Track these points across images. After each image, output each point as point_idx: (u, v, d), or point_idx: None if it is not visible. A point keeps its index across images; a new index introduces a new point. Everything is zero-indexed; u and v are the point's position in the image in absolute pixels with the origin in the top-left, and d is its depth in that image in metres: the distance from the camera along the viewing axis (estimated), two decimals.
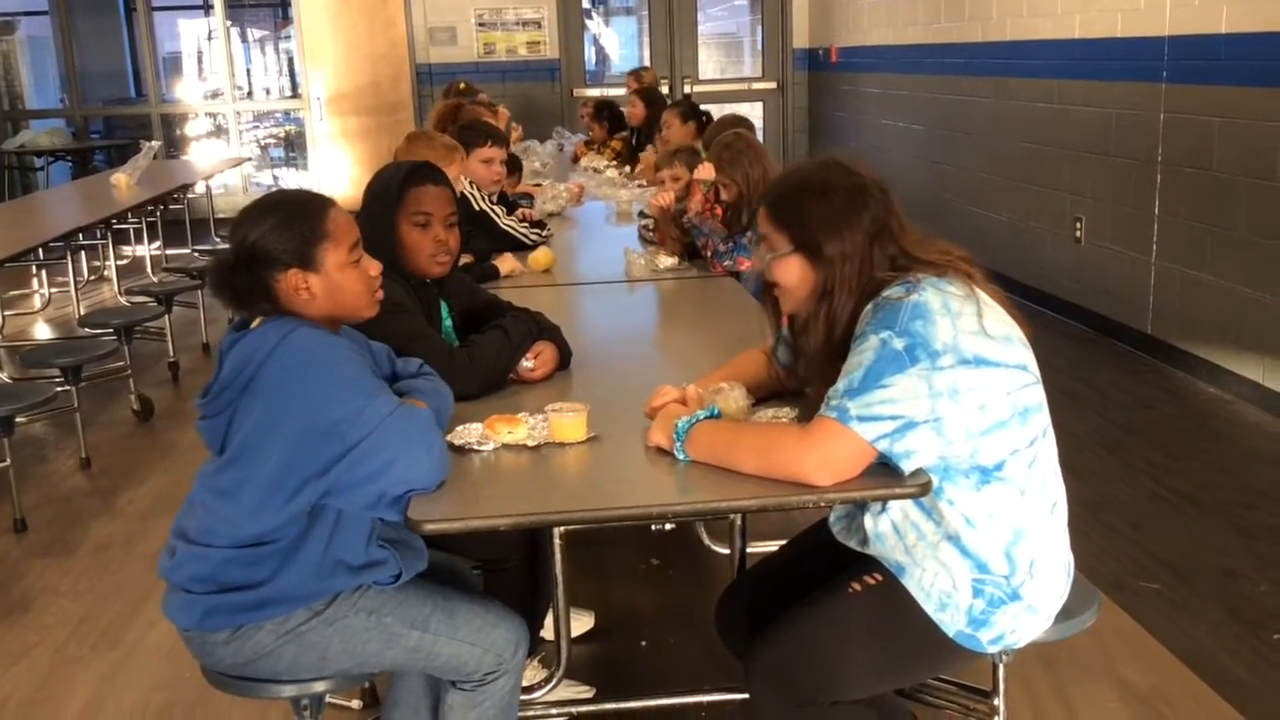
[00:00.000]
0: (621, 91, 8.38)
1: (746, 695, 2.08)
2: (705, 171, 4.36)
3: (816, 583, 2.11)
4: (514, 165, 5.58)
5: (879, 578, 2.04)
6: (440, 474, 1.94)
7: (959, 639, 1.99)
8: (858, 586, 2.04)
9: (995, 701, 2.27)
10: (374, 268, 2.12)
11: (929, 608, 1.99)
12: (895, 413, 1.88)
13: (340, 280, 2.04)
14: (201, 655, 2.07)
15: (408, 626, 2.06)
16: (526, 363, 2.57)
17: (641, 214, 4.81)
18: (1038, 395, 2.00)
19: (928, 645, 2.01)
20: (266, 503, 1.95)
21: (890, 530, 2.02)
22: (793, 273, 2.06)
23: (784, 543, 2.43)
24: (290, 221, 2.01)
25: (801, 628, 2.04)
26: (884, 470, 1.92)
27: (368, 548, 2.03)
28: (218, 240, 7.71)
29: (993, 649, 2.02)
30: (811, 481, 1.90)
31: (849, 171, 2.07)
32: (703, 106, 6.34)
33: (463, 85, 6.64)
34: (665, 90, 10.17)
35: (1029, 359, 2.00)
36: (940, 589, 1.99)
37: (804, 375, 2.24)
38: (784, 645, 2.04)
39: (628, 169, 6.62)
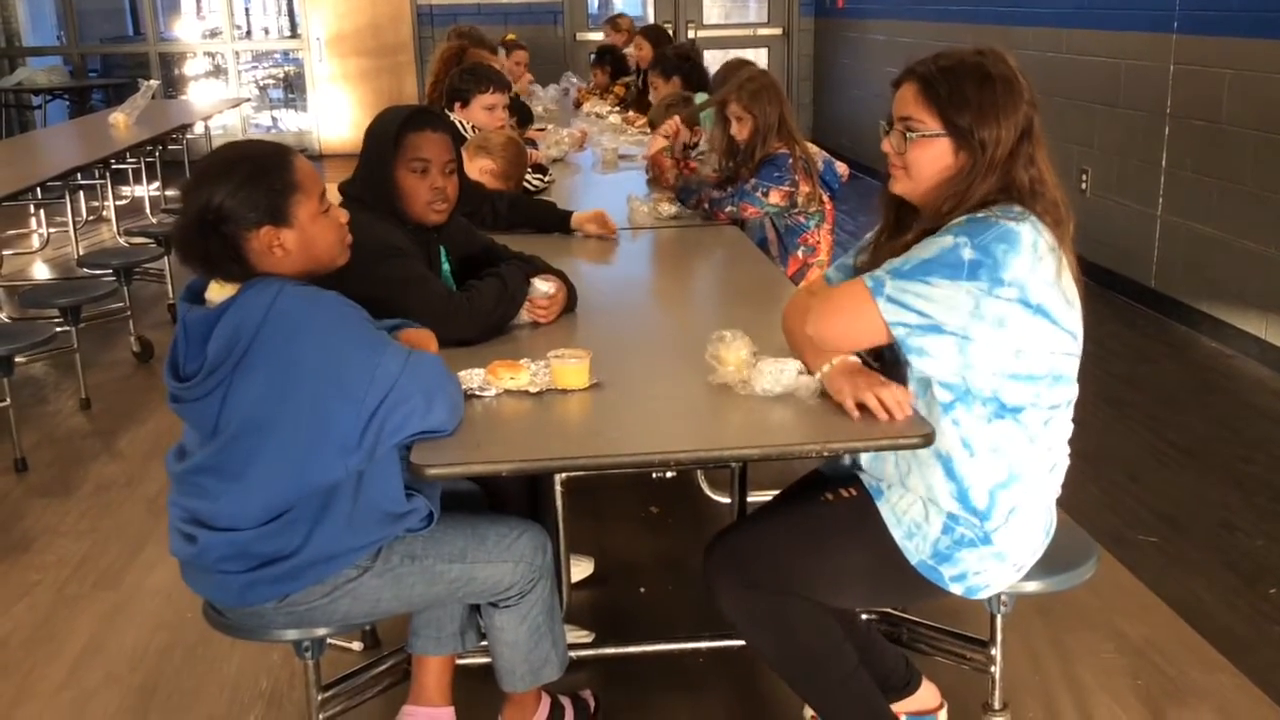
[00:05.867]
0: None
1: (741, 643, 2.10)
2: (667, 130, 4.39)
3: None
4: (525, 115, 5.52)
5: (854, 492, 2.06)
6: (457, 417, 1.94)
7: (921, 568, 2.01)
8: (830, 497, 2.08)
9: (993, 651, 2.28)
10: (342, 215, 2.04)
11: (896, 533, 2.01)
12: (926, 310, 1.85)
13: (314, 233, 1.96)
14: (255, 620, 2.04)
15: (448, 562, 2.08)
16: (545, 286, 2.56)
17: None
18: (1073, 366, 1.98)
19: (887, 568, 2.02)
20: (279, 477, 1.88)
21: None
22: (932, 155, 1.96)
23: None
24: (256, 176, 1.90)
25: (765, 522, 2.12)
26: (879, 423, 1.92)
27: (398, 494, 1.99)
28: None
29: (956, 587, 2.02)
30: (797, 315, 1.96)
31: (1006, 63, 1.98)
32: (706, 52, 6.27)
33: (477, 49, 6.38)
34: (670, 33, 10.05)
35: (1080, 330, 1.97)
36: (911, 518, 2.00)
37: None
38: (744, 532, 2.12)
39: (630, 113, 6.54)
